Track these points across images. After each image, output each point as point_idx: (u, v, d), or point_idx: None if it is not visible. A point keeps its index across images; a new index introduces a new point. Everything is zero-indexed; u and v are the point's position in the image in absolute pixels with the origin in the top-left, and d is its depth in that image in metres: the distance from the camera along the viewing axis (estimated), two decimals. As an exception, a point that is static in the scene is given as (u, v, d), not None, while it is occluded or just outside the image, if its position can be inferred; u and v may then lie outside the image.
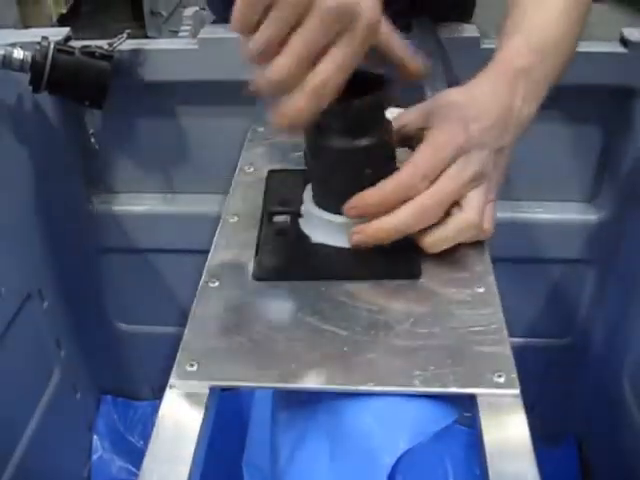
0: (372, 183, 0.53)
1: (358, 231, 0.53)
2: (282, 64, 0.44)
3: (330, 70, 0.45)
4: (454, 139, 0.52)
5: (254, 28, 0.44)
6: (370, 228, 0.53)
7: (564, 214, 1.00)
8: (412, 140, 0.56)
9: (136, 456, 1.21)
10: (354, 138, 0.52)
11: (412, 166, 0.52)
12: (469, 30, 0.88)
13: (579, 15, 0.62)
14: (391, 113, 0.56)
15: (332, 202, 0.56)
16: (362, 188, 0.53)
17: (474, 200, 0.53)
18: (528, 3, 0.62)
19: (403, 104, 0.62)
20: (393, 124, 0.55)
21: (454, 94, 0.57)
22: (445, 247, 0.54)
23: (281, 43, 0.44)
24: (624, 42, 0.85)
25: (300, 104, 0.45)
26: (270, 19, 0.43)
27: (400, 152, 0.57)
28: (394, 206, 0.52)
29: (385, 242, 0.53)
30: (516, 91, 0.56)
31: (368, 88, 0.51)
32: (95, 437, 1.23)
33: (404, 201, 0.51)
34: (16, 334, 0.96)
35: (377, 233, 0.53)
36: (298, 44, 0.44)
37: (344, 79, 0.46)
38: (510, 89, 0.56)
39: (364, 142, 0.52)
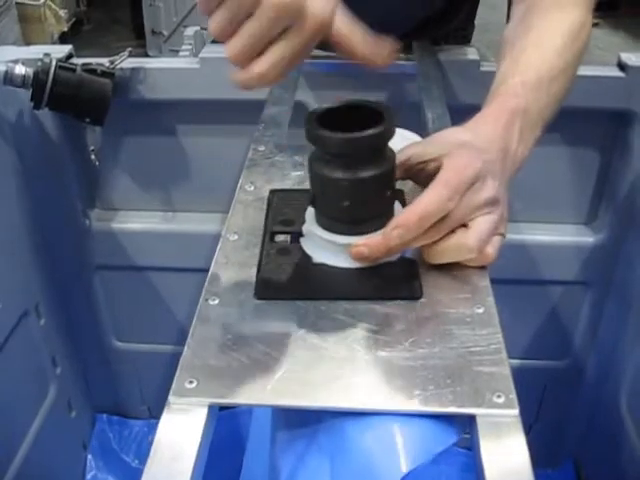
0: (374, 208, 0.54)
1: (362, 244, 0.54)
2: (232, 47, 0.46)
3: (272, 61, 0.46)
4: (473, 163, 0.53)
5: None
6: (373, 239, 0.53)
7: (561, 236, 1.00)
8: (417, 173, 0.57)
9: (130, 475, 1.20)
10: (356, 170, 0.53)
11: (442, 187, 0.52)
12: (469, 53, 0.89)
13: (574, 53, 0.64)
14: (398, 134, 0.56)
15: (334, 223, 0.56)
16: (364, 212, 0.54)
17: (480, 226, 0.53)
18: (524, 42, 0.63)
19: (403, 126, 0.62)
20: (397, 157, 0.56)
21: (459, 132, 0.58)
22: (443, 261, 0.55)
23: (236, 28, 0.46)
24: (622, 66, 0.86)
25: (246, 80, 0.47)
26: (223, 8, 0.45)
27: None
28: (428, 226, 0.52)
29: (388, 255, 0.54)
30: (512, 134, 0.57)
31: (370, 119, 0.52)
32: (89, 456, 1.22)
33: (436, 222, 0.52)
34: (12, 351, 0.95)
35: (382, 241, 0.53)
36: (245, 34, 0.45)
37: (288, 70, 0.47)
38: (506, 132, 0.57)
39: (365, 174, 0.53)
